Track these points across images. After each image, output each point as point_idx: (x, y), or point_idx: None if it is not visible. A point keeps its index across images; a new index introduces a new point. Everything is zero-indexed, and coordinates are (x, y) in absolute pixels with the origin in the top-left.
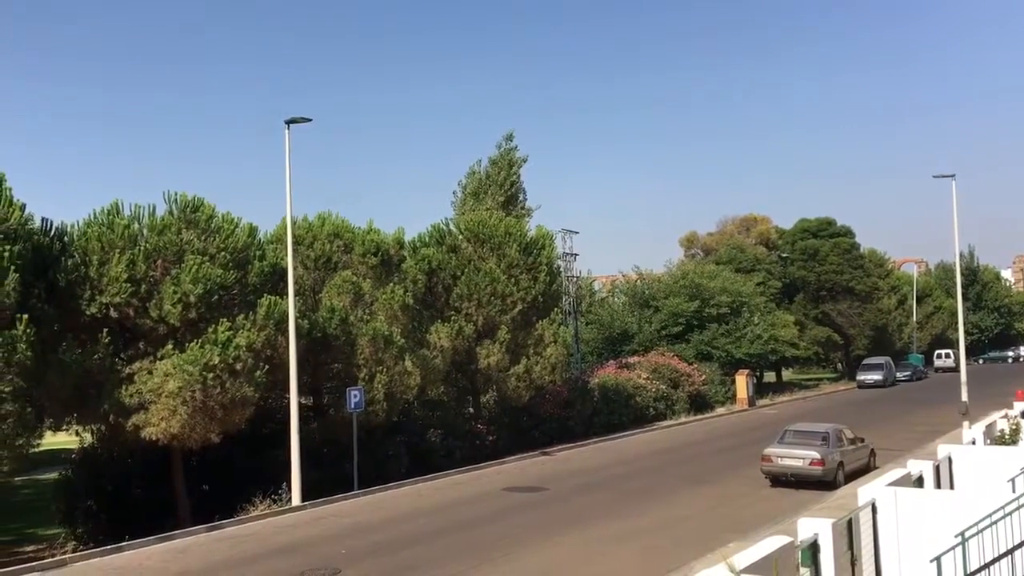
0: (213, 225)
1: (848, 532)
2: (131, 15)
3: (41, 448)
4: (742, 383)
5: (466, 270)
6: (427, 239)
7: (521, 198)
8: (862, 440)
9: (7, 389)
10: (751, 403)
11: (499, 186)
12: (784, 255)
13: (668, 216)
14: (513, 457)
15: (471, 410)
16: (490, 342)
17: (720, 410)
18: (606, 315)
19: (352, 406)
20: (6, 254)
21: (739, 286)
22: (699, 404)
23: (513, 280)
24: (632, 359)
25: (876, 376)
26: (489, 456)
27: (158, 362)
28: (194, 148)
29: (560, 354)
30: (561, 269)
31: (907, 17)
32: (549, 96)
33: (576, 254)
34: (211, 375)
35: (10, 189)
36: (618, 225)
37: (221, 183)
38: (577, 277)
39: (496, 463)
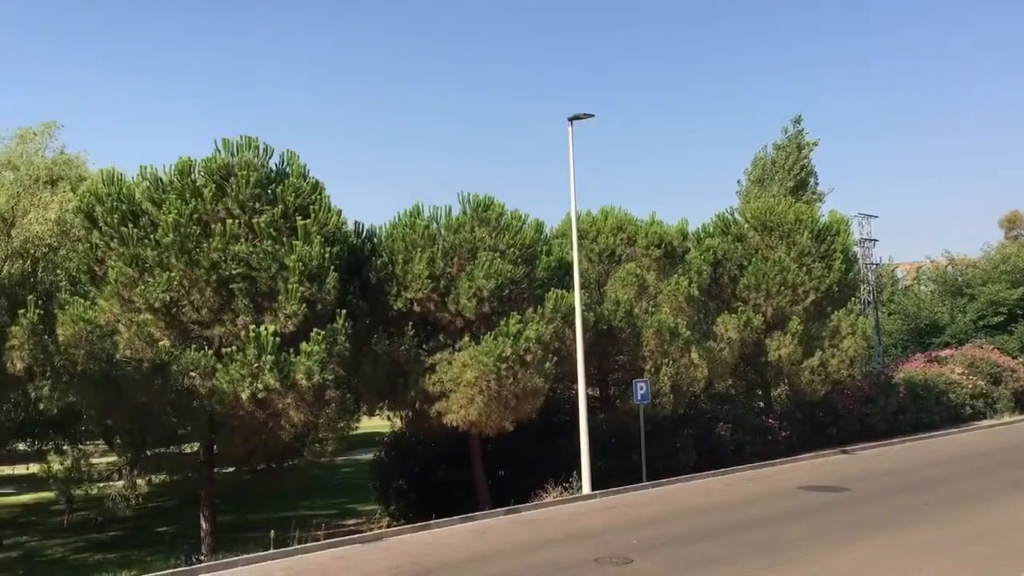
0: (503, 223)
1: None
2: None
3: (359, 431)
4: None
5: (753, 259)
6: (711, 229)
7: (812, 182)
8: None
9: (330, 377)
10: None
11: (787, 171)
12: None
13: (984, 195)
14: (808, 454)
15: (761, 404)
16: (780, 334)
17: None
18: (911, 305)
19: (638, 398)
20: (327, 255)
21: None
22: None
23: (804, 269)
24: (943, 352)
25: None
26: (782, 453)
27: (456, 353)
28: (472, 143)
29: (859, 346)
30: (858, 256)
31: None
32: (841, 75)
33: (875, 240)
34: (504, 366)
35: (328, 197)
36: (924, 207)
37: (505, 179)
38: (876, 264)
39: (790, 460)
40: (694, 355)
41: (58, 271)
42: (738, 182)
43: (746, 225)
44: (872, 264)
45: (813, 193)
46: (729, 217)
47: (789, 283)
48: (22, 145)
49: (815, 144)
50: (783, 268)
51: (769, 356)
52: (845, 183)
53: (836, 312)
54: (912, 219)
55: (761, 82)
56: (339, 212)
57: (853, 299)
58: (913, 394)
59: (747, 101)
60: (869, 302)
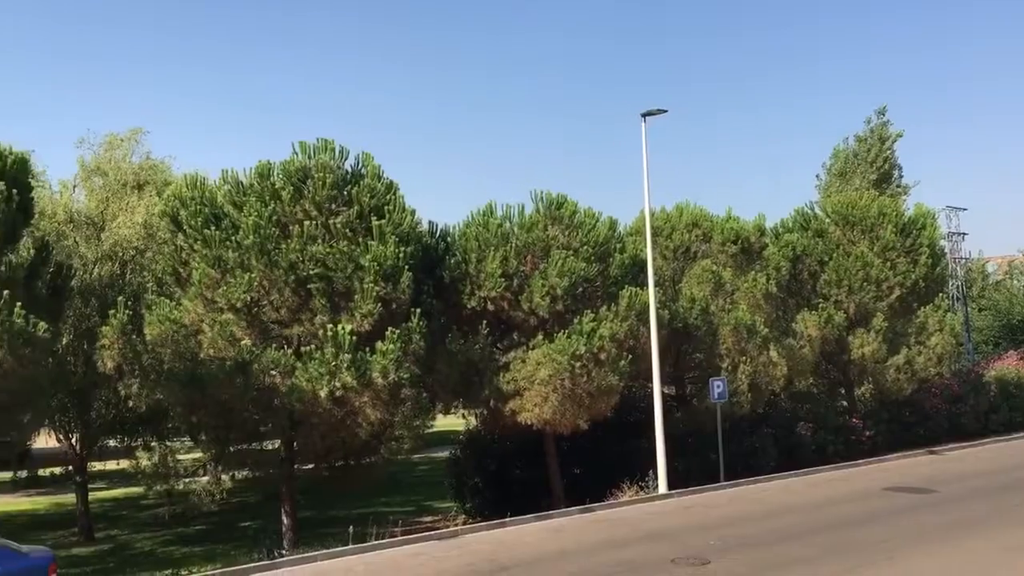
0: (576, 221)
1: None
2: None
3: (434, 429)
4: None
5: (834, 255)
6: (790, 224)
7: (896, 175)
8: None
9: (406, 376)
10: None
11: (869, 164)
12: None
13: None
14: (894, 455)
15: (844, 403)
16: (864, 331)
17: None
18: (1003, 300)
19: (715, 396)
20: (402, 255)
21: None
22: None
23: (889, 264)
24: None
25: None
26: (866, 453)
27: (530, 352)
28: (545, 141)
29: (947, 344)
30: (946, 251)
31: None
32: (928, 60)
33: (964, 233)
34: (578, 364)
35: (402, 197)
36: (1016, 199)
37: (578, 176)
38: (966, 259)
39: (875, 460)
40: (773, 353)
41: (145, 273)
42: (817, 176)
43: (827, 220)
44: (961, 259)
45: (898, 186)
46: (808, 212)
47: (872, 279)
48: (110, 151)
49: (899, 135)
50: (866, 263)
51: (852, 354)
52: (933, 175)
53: (923, 308)
54: (1004, 212)
55: (841, 69)
56: (413, 212)
57: (941, 295)
58: (1005, 393)
59: (826, 89)
60: (958, 298)
